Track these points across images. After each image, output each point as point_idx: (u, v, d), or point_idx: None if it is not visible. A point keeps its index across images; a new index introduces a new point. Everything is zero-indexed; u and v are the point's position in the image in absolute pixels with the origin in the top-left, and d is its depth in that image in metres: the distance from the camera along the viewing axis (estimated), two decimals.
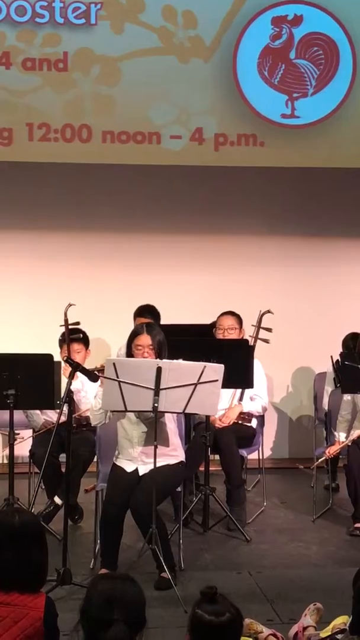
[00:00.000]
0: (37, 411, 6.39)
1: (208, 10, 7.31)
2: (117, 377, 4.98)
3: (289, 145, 7.52)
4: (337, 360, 6.74)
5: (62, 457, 5.85)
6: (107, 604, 2.65)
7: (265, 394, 6.61)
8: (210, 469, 6.17)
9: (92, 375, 5.20)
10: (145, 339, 5.30)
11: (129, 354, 5.37)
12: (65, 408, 5.18)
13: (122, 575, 2.85)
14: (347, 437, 6.29)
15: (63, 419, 5.25)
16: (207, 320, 6.90)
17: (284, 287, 8.04)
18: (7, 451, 5.89)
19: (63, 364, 5.79)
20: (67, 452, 5.11)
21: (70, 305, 6.44)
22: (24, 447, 6.54)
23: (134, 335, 5.38)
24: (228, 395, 6.43)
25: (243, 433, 6.42)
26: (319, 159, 7.61)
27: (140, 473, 5.21)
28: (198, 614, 2.82)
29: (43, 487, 6.28)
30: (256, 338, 6.88)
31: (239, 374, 5.99)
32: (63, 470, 5.85)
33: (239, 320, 6.69)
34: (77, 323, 6.52)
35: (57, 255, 7.89)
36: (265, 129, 7.46)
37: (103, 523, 5.23)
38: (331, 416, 6.69)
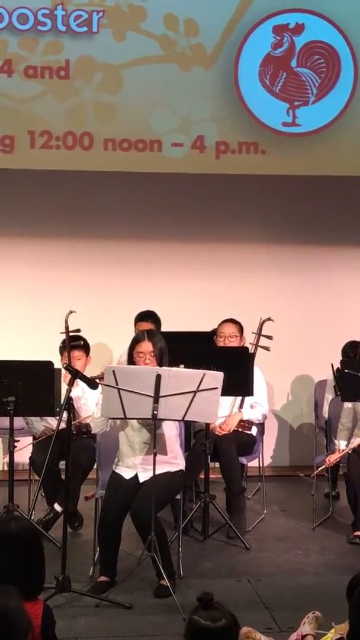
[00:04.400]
0: (37, 418, 6.40)
1: (210, 18, 7.32)
2: (117, 385, 4.99)
3: (290, 153, 7.53)
4: (338, 368, 6.75)
5: (62, 464, 5.84)
6: None
7: (265, 402, 6.62)
8: (210, 476, 6.17)
9: (92, 383, 5.21)
10: (146, 346, 5.31)
11: (130, 360, 5.38)
12: (64, 415, 5.18)
13: None
14: (347, 445, 6.29)
15: (63, 426, 5.26)
16: (207, 327, 6.91)
17: (284, 295, 8.05)
18: (7, 458, 5.89)
19: (63, 371, 5.80)
20: (67, 460, 5.11)
21: (71, 312, 6.45)
22: (24, 454, 6.54)
23: (135, 342, 5.39)
24: (228, 403, 6.43)
25: (243, 441, 6.42)
26: (320, 167, 7.61)
27: (141, 480, 5.21)
28: (194, 619, 2.82)
29: (43, 494, 6.28)
30: (257, 346, 6.88)
31: (239, 382, 6.00)
32: (63, 477, 5.85)
33: (240, 327, 6.70)
34: (78, 330, 6.53)
35: (58, 262, 7.90)
36: (266, 137, 7.47)
37: (101, 530, 5.23)
38: (331, 424, 6.68)
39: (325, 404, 7.00)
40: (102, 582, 5.16)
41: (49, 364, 5.68)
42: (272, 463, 8.04)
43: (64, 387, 5.65)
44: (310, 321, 8.11)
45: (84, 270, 7.93)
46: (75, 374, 5.18)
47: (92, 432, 5.59)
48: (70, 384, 5.23)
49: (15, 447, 5.68)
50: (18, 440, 5.83)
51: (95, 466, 5.90)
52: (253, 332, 6.92)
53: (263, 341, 6.91)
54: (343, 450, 6.27)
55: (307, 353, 7.96)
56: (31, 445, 6.47)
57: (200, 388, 5.04)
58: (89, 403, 6.20)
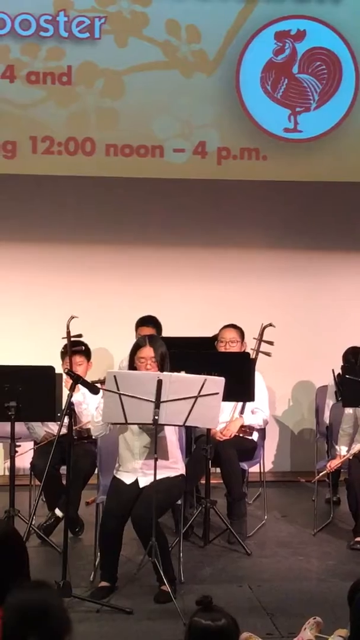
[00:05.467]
0: (38, 423, 6.40)
1: (211, 24, 7.35)
2: (118, 390, 4.99)
3: (292, 159, 7.54)
4: (339, 374, 6.76)
5: (63, 470, 5.85)
6: (20, 620, 2.56)
7: (266, 407, 6.62)
8: (211, 481, 6.17)
9: (93, 388, 5.21)
10: (147, 351, 5.31)
11: (132, 366, 5.38)
12: (66, 420, 5.19)
13: (35, 583, 2.77)
14: (348, 451, 6.29)
15: (64, 431, 5.26)
16: (209, 333, 6.91)
17: (285, 301, 8.05)
18: (8, 463, 5.89)
19: (64, 376, 5.81)
20: (67, 465, 5.12)
21: (72, 317, 6.46)
22: (24, 459, 6.54)
23: (136, 347, 5.39)
24: (229, 408, 6.43)
25: (244, 446, 6.41)
26: (321, 173, 7.63)
27: (141, 484, 5.21)
28: (195, 620, 2.84)
29: (44, 499, 6.28)
30: (258, 351, 6.88)
31: (240, 387, 6.00)
32: (64, 482, 5.85)
33: (241, 333, 6.70)
34: (80, 335, 6.53)
35: (60, 268, 7.91)
36: (267, 143, 7.48)
37: (102, 535, 5.23)
38: (332, 430, 6.69)
39: (326, 410, 7.00)
40: (103, 587, 5.16)
41: (51, 369, 5.68)
42: (273, 468, 8.04)
43: (65, 392, 5.66)
44: (311, 327, 8.12)
45: (85, 275, 7.93)
46: (77, 379, 5.18)
47: (92, 435, 5.59)
48: (72, 389, 5.25)
49: (17, 452, 5.67)
50: (19, 445, 5.83)
51: (96, 471, 5.90)
52: (254, 338, 6.92)
53: (264, 347, 6.91)
54: (344, 456, 6.27)
55: (308, 359, 7.96)
56: (32, 451, 6.47)
57: (201, 393, 5.04)
58: (90, 408, 6.20)
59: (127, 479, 5.25)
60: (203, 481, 6.16)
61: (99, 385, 5.18)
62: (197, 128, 7.42)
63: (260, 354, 6.88)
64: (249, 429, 6.48)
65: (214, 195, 7.97)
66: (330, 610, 4.55)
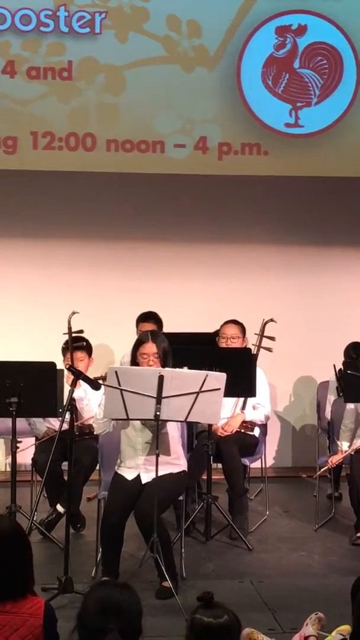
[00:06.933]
0: (40, 419, 6.40)
1: (212, 19, 7.33)
2: (119, 386, 4.99)
3: (293, 154, 7.53)
4: (340, 369, 6.75)
5: (65, 465, 5.84)
6: (102, 612, 2.65)
7: (267, 403, 6.61)
8: (213, 477, 6.17)
9: (94, 384, 5.21)
10: (150, 347, 5.30)
11: (134, 362, 5.38)
12: (67, 416, 5.18)
13: (120, 584, 2.85)
14: (350, 446, 6.29)
15: (65, 427, 5.26)
16: (210, 328, 6.91)
17: (287, 296, 8.04)
18: (9, 459, 5.89)
19: (66, 372, 5.80)
20: (69, 460, 5.11)
21: (74, 313, 6.44)
22: (26, 455, 6.54)
23: (138, 343, 5.39)
24: (231, 404, 6.43)
25: (246, 442, 6.41)
26: (322, 168, 7.62)
27: (143, 480, 5.21)
28: (196, 618, 2.83)
29: (45, 495, 6.28)
30: (259, 347, 6.88)
31: (242, 383, 6.00)
32: (65, 478, 5.85)
33: (242, 329, 6.70)
34: (81, 331, 6.52)
35: (61, 264, 7.90)
36: (269, 138, 7.47)
37: (104, 531, 5.23)
38: (334, 425, 6.68)
39: (328, 405, 7.00)
40: None
41: (52, 364, 5.67)
42: (274, 464, 8.04)
43: (66, 388, 5.66)
44: (312, 322, 8.11)
45: (86, 271, 7.92)
46: (78, 375, 5.18)
47: (95, 433, 5.59)
48: (73, 385, 5.25)
49: (18, 448, 5.67)
50: (20, 441, 5.83)
51: (97, 467, 5.90)
52: (255, 334, 6.92)
53: (265, 342, 6.91)
54: (346, 452, 6.27)
55: (309, 354, 7.95)
56: (34, 446, 6.48)
57: (202, 389, 5.03)
58: (92, 404, 6.20)
59: (129, 475, 5.25)
60: (205, 477, 6.16)
61: (100, 381, 5.18)
62: (198, 123, 7.41)
63: (261, 350, 6.88)
64: (251, 425, 6.48)
65: (215, 190, 7.96)
66: (332, 605, 4.53)
